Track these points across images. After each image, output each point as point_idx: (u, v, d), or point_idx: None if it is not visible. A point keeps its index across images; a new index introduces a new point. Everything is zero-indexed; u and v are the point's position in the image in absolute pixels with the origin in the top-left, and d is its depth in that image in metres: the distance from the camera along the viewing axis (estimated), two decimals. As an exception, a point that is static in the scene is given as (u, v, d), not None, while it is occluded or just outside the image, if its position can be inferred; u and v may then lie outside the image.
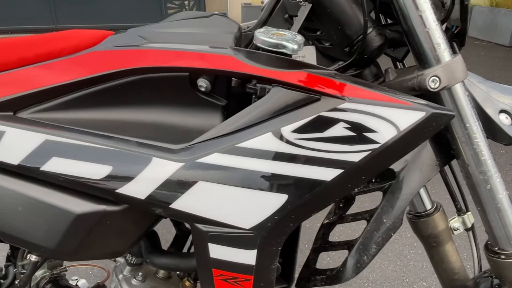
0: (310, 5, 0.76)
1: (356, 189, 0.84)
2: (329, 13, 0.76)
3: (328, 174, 0.58)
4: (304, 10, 0.76)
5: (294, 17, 0.80)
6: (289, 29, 0.83)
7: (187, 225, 0.94)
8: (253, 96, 0.63)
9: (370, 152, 0.58)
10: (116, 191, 0.64)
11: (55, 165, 0.65)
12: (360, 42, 0.74)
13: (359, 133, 0.58)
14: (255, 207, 0.60)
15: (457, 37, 0.82)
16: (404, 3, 0.68)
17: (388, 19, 0.87)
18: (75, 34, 0.76)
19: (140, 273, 0.91)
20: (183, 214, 0.62)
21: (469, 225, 0.92)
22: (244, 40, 0.85)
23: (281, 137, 0.58)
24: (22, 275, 1.01)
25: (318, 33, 0.82)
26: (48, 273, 1.00)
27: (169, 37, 0.74)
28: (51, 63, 0.72)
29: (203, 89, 0.66)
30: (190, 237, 0.97)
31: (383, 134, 0.58)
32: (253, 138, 0.59)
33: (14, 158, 0.67)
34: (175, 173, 0.61)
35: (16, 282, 0.99)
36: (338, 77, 0.62)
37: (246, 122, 0.61)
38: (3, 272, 1.02)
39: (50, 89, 0.70)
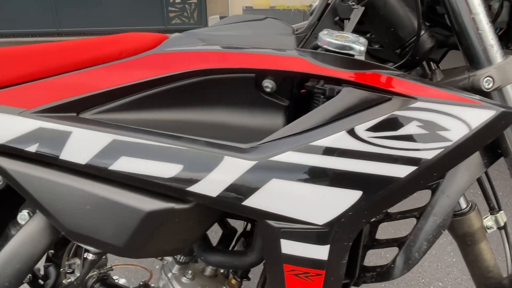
0: (363, 8, 0.78)
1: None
2: (382, 15, 0.78)
3: (402, 171, 0.60)
4: (357, 13, 0.79)
5: (344, 20, 0.82)
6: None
7: (220, 224, 0.95)
8: (321, 96, 0.65)
9: (442, 149, 0.60)
10: (186, 189, 0.65)
11: (124, 165, 0.67)
12: (413, 44, 0.76)
13: (432, 131, 0.60)
14: (329, 204, 0.62)
15: (501, 39, 0.84)
16: (458, 6, 0.70)
17: (426, 22, 0.90)
18: (133, 37, 0.78)
19: (189, 272, 0.93)
20: (255, 211, 0.64)
21: (502, 224, 0.94)
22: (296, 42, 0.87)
23: (355, 136, 0.60)
24: (68, 274, 1.02)
25: (368, 35, 0.84)
26: (95, 272, 1.02)
27: (229, 39, 0.75)
28: (113, 65, 0.74)
29: (268, 90, 0.68)
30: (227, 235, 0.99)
31: (456, 132, 0.60)
32: (327, 137, 0.61)
33: (82, 158, 0.68)
34: (248, 171, 0.63)
35: (65, 281, 1.01)
36: (407, 77, 0.64)
37: (318, 121, 0.62)
38: (41, 273, 1.03)
39: (113, 91, 0.71)
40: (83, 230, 0.71)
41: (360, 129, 0.60)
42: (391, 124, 0.60)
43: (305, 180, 0.62)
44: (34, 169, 0.71)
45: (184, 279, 0.93)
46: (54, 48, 0.76)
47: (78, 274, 1.03)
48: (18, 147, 0.70)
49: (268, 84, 0.68)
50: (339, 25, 0.85)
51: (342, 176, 0.61)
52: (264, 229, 0.66)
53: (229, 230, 0.97)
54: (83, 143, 0.69)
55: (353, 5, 0.79)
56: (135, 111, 0.72)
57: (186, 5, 7.53)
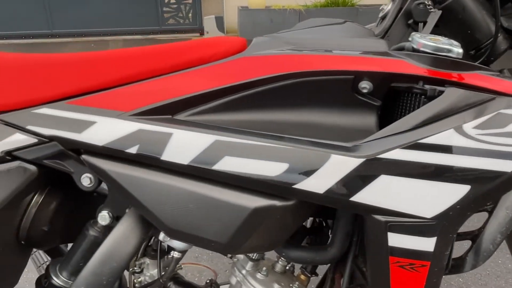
0: (440, 11, 0.82)
1: None
2: (460, 19, 0.82)
3: (508, 165, 0.64)
4: (434, 17, 0.82)
5: (419, 23, 0.86)
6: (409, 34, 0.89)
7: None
8: (422, 96, 0.69)
9: None
10: (293, 186, 0.68)
11: (228, 164, 0.69)
12: (489, 45, 0.80)
13: None
14: (437, 198, 0.65)
15: None
16: None
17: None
18: (220, 40, 0.80)
19: (264, 268, 0.95)
20: (362, 206, 0.67)
21: None
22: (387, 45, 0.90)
23: (464, 133, 0.64)
24: (136, 274, 1.04)
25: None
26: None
27: (318, 43, 0.78)
28: (206, 68, 0.76)
29: (365, 91, 0.71)
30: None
31: None
32: (435, 134, 0.64)
33: (184, 158, 0.70)
34: (356, 169, 0.66)
35: (135, 281, 1.02)
36: (506, 77, 0.68)
37: (423, 120, 0.66)
38: None
39: (208, 93, 0.73)
40: (184, 228, 0.73)
41: (468, 127, 0.64)
42: (498, 121, 0.64)
43: (414, 176, 0.65)
44: (135, 170, 0.73)
45: (259, 276, 0.95)
46: (148, 52, 0.78)
47: (148, 273, 1.05)
48: (119, 149, 0.72)
49: (366, 85, 0.71)
50: (412, 28, 0.88)
51: (451, 172, 0.64)
52: (370, 224, 0.69)
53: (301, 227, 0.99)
54: (184, 144, 0.70)
55: (430, 8, 0.83)
56: (229, 112, 0.74)
57: (181, 6, 7.51)
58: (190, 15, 7.57)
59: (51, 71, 0.76)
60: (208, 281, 1.06)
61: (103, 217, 0.85)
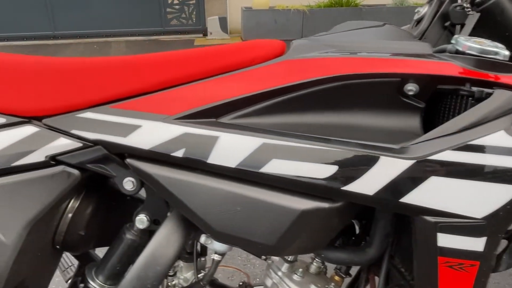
0: (479, 14, 0.83)
1: None
2: (499, 21, 0.82)
3: None
4: (472, 19, 0.83)
5: (456, 25, 0.86)
6: (448, 36, 0.90)
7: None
8: (470, 98, 0.69)
9: None
10: (342, 188, 0.68)
11: (276, 167, 0.69)
12: None
13: None
14: (488, 198, 0.66)
15: None
16: None
17: None
18: (261, 44, 0.80)
19: (300, 270, 0.96)
20: (412, 207, 0.68)
21: None
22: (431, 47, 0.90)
23: None
24: (170, 277, 1.04)
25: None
26: (202, 274, 1.04)
27: (361, 46, 0.79)
28: (248, 71, 0.76)
29: (411, 93, 0.72)
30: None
31: None
32: (485, 136, 0.65)
33: (231, 162, 0.70)
34: (406, 170, 0.66)
35: (170, 284, 1.03)
36: None
37: (473, 122, 0.66)
38: None
39: (252, 96, 0.73)
40: (231, 231, 0.74)
41: None
42: None
43: (465, 177, 0.65)
44: (181, 173, 0.73)
45: (295, 277, 0.95)
46: (189, 55, 0.78)
47: (182, 276, 1.05)
48: (165, 153, 0.72)
49: (412, 87, 0.71)
50: (449, 30, 0.89)
51: (501, 173, 0.65)
52: (419, 225, 0.69)
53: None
54: (231, 147, 0.71)
55: (468, 11, 0.83)
56: (273, 115, 0.74)
57: (184, 6, 7.52)
58: (193, 15, 7.58)
59: (94, 75, 0.76)
60: (241, 283, 1.06)
61: (141, 220, 0.85)
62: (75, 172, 0.77)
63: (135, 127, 0.73)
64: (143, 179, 0.76)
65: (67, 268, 1.18)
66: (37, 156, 0.74)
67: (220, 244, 0.85)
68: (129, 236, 0.88)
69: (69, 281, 1.10)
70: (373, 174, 0.67)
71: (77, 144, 0.75)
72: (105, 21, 7.33)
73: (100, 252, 0.97)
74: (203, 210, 0.74)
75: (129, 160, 0.75)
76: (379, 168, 0.67)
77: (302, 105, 0.74)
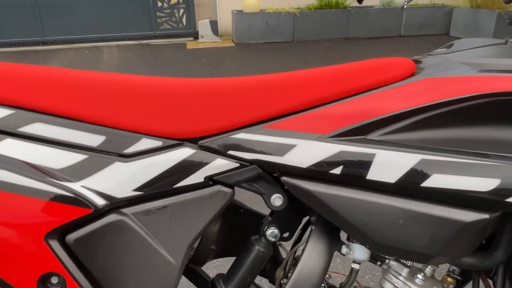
0: None
1: None
2: None
3: None
4: None
5: None
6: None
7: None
8: None
9: None
10: (506, 200, 0.73)
11: (436, 181, 0.74)
12: None
13: None
14: None
15: None
16: None
17: None
18: (395, 62, 0.83)
19: (421, 274, 1.04)
20: None
21: None
22: None
23: None
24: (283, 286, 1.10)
25: None
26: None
27: (498, 63, 0.83)
28: (392, 89, 0.79)
29: None
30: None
31: None
32: None
33: (391, 177, 0.75)
34: None
35: None
36: None
37: None
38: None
39: (400, 114, 0.77)
40: (391, 242, 0.79)
41: None
42: None
43: None
44: (338, 189, 0.77)
45: (417, 281, 1.03)
46: (332, 75, 0.81)
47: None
48: (322, 170, 0.76)
49: None
50: None
51: None
52: None
53: None
54: (390, 163, 0.75)
55: None
56: (418, 131, 0.78)
57: (174, 10, 7.50)
58: (183, 19, 7.56)
59: (246, 95, 0.78)
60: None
61: (273, 234, 0.90)
62: (229, 191, 0.79)
63: (291, 147, 0.76)
64: (299, 196, 0.80)
65: None
66: (197, 177, 0.77)
67: (360, 254, 0.91)
68: (259, 248, 0.92)
69: None
70: None
71: (234, 164, 0.78)
72: (95, 26, 7.23)
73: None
74: (363, 223, 0.78)
75: (284, 178, 0.78)
76: None
77: (446, 121, 0.77)
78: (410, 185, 0.75)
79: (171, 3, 7.44)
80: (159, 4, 7.40)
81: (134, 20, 7.35)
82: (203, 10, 7.54)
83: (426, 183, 0.75)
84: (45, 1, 7.02)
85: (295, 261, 0.99)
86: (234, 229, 0.98)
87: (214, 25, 7.27)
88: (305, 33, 7.12)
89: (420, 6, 7.36)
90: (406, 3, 1.21)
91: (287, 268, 1.08)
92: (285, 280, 1.09)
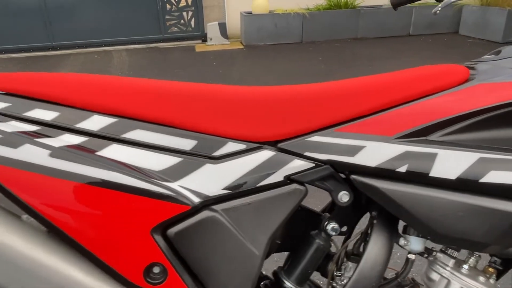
0: None
1: None
2: None
3: None
4: None
5: None
6: None
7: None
8: None
9: None
10: None
11: (494, 177, 0.80)
12: None
13: None
14: None
15: None
16: None
17: None
18: (451, 69, 0.88)
19: (466, 264, 1.04)
20: None
21: None
22: None
23: None
24: (340, 279, 1.10)
25: None
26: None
27: None
28: (450, 94, 0.85)
29: None
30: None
31: None
32: None
33: (452, 174, 0.81)
34: None
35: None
36: None
37: None
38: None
39: (458, 116, 0.83)
40: (452, 233, 0.85)
41: None
42: None
43: None
44: (404, 186, 0.84)
45: (463, 270, 1.03)
46: (394, 81, 0.87)
47: (348, 276, 1.12)
48: (390, 169, 0.83)
49: None
50: None
51: None
52: None
53: None
54: (451, 162, 0.81)
55: None
56: (475, 132, 0.84)
57: (183, 13, 7.54)
58: (192, 22, 7.61)
59: (320, 101, 0.85)
60: (411, 278, 1.14)
61: (334, 228, 0.97)
62: (304, 188, 0.86)
63: (361, 148, 0.83)
64: (368, 193, 0.86)
65: None
66: (277, 177, 0.84)
67: (416, 245, 0.97)
68: (319, 241, 1.00)
69: None
70: None
71: (310, 164, 0.85)
72: (104, 30, 7.29)
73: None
74: (426, 216, 0.84)
75: (354, 177, 0.86)
76: None
77: (501, 122, 0.83)
78: (470, 181, 0.81)
79: (179, 5, 7.48)
80: (168, 7, 7.45)
81: (142, 23, 7.40)
82: (211, 12, 7.58)
83: (484, 179, 0.81)
84: (54, 6, 7.09)
85: (347, 254, 1.08)
86: (293, 225, 1.03)
87: (222, 27, 7.30)
88: (314, 34, 7.14)
89: (429, 5, 7.35)
90: (439, 10, 1.25)
91: (339, 261, 1.10)
92: (338, 272, 1.10)
